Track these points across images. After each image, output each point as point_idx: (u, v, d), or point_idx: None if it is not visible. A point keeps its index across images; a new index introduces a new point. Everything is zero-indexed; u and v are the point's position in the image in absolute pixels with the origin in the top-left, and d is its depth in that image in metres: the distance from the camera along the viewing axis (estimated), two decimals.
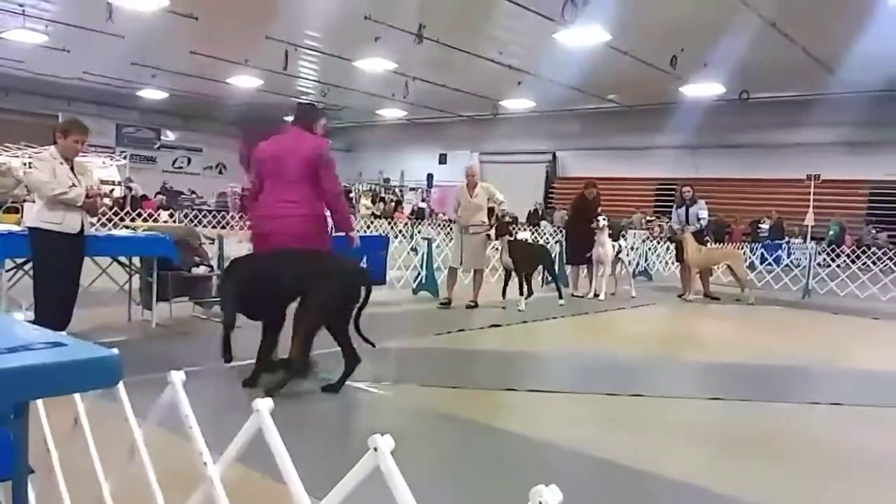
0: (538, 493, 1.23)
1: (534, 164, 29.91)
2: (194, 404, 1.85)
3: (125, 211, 19.20)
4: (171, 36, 17.43)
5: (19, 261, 5.88)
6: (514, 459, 3.63)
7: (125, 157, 27.95)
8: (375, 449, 1.41)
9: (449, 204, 9.45)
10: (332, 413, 4.37)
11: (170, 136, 32.85)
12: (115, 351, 1.56)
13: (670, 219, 12.21)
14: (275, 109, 24.22)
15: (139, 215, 19.18)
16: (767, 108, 21.79)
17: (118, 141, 30.62)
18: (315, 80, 23.76)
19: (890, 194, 22.31)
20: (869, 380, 6.06)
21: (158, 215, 21.25)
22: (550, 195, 29.64)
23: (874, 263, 14.49)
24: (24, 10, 15.87)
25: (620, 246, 10.85)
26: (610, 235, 10.47)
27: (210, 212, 24.60)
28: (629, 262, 11.64)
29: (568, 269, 11.10)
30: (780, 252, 17.35)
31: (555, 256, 11.91)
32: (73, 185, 5.21)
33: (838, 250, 17.22)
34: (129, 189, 24.62)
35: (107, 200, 15.34)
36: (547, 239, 17.79)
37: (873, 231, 21.95)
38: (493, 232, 8.47)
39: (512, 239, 8.69)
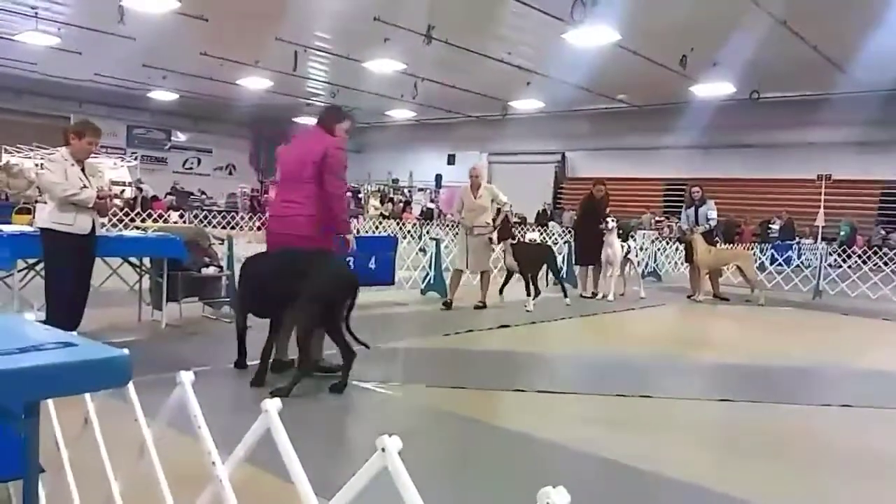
0: (546, 495, 1.23)
1: (543, 165, 29.86)
2: (203, 404, 1.86)
3: (136, 211, 19.31)
4: (182, 37, 17.53)
5: (31, 261, 5.94)
6: (521, 460, 3.63)
7: (136, 158, 28.13)
8: (383, 449, 1.42)
9: (453, 205, 9.41)
10: (340, 413, 4.38)
11: (180, 137, 33.01)
12: (126, 351, 1.57)
13: (680, 219, 12.16)
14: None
15: (149, 216, 19.28)
16: (778, 107, 21.66)
17: (129, 142, 30.81)
18: (324, 82, 23.83)
19: None
20: (880, 381, 6.01)
21: (168, 216, 21.35)
22: (559, 196, 29.57)
23: (886, 264, 14.37)
24: (36, 13, 16.01)
25: (629, 246, 10.81)
26: (619, 236, 10.44)
27: (220, 212, 24.69)
28: (638, 262, 11.60)
29: (576, 269, 11.07)
30: (790, 253, 17.24)
31: (563, 257, 11.92)
32: (85, 186, 5.25)
33: (849, 251, 17.09)
34: (140, 190, 24.76)
35: (117, 201, 15.46)
36: (556, 240, 17.75)
37: (882, 231, 21.78)
38: (495, 235, 8.43)
39: (515, 242, 8.65)
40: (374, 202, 29.48)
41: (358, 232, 20.22)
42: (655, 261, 14.34)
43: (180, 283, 6.56)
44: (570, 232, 16.99)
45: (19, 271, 5.80)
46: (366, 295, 8.51)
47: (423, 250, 11.60)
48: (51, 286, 5.32)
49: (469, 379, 5.25)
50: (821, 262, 12.74)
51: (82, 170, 5.33)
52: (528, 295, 8.68)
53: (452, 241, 12.46)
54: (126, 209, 18.58)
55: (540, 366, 6.13)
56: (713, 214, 10.89)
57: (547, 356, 6.60)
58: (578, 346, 7.36)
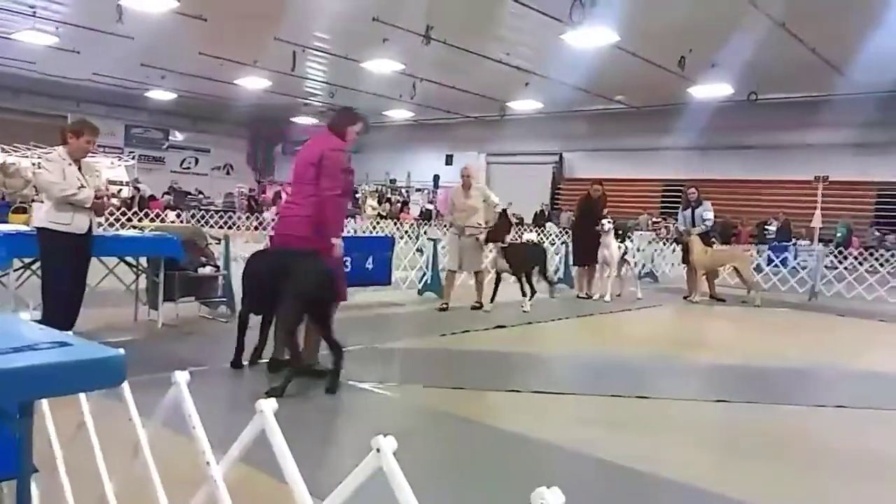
0: (540, 496, 1.23)
1: (541, 165, 29.86)
2: (199, 404, 1.86)
3: (133, 211, 19.28)
4: (180, 37, 17.51)
5: (27, 260, 5.93)
6: (517, 460, 3.63)
7: (133, 158, 28.09)
8: (378, 450, 1.42)
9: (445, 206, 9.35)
10: (336, 414, 4.38)
11: (178, 136, 33.00)
12: (121, 351, 1.57)
13: (677, 220, 12.17)
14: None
15: (146, 215, 19.26)
16: (776, 109, 21.69)
17: (127, 141, 30.79)
18: (323, 82, 23.82)
19: None
20: (876, 382, 6.02)
21: (166, 215, 21.33)
22: (557, 196, 29.58)
23: (882, 265, 14.40)
24: (34, 12, 15.98)
25: (626, 247, 10.82)
26: (617, 236, 10.44)
27: (217, 212, 24.68)
28: (635, 263, 11.61)
29: (573, 270, 11.07)
30: (786, 254, 17.25)
31: (561, 258, 11.93)
32: (82, 186, 5.24)
33: (846, 252, 17.11)
34: (137, 189, 24.74)
35: (114, 201, 15.44)
36: (553, 240, 17.76)
37: (877, 233, 21.83)
38: (482, 237, 8.37)
39: (506, 245, 8.57)
40: (372, 202, 29.48)
41: (355, 232, 20.24)
42: (652, 262, 14.36)
43: (177, 282, 6.55)
44: (567, 233, 17.00)
45: (15, 270, 5.79)
46: (363, 295, 8.54)
47: (420, 251, 11.60)
48: (47, 286, 5.30)
49: (465, 379, 5.26)
50: (817, 263, 12.76)
51: (79, 169, 5.33)
52: (524, 295, 8.68)
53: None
54: (123, 209, 18.56)
55: (536, 366, 6.14)
56: (709, 215, 10.90)
57: (543, 357, 6.61)
58: (575, 347, 7.37)
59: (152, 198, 25.21)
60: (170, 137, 32.76)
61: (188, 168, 33.34)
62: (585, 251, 10.38)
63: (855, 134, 21.27)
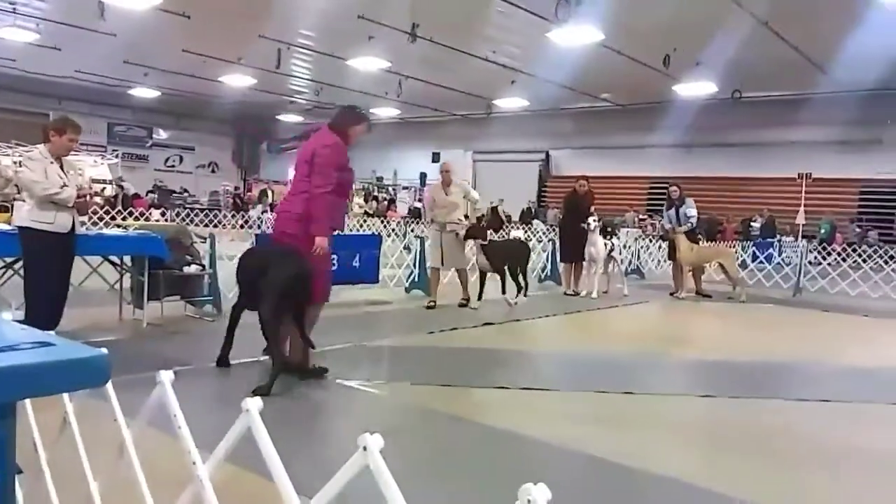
0: (526, 492, 1.23)
1: (527, 163, 29.92)
2: (185, 403, 1.85)
3: (117, 210, 19.11)
4: (164, 34, 17.37)
5: (8, 260, 5.85)
6: (505, 457, 3.63)
7: (117, 156, 27.85)
8: (365, 448, 1.41)
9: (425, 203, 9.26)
10: (323, 412, 4.36)
11: (162, 134, 32.75)
12: (104, 350, 1.55)
13: (663, 218, 12.25)
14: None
15: (130, 214, 19.11)
16: (759, 107, 21.88)
17: (110, 139, 30.52)
18: (308, 79, 23.73)
19: (880, 193, 22.44)
20: (858, 376, 6.09)
21: (150, 214, 21.16)
22: (543, 194, 29.67)
23: (864, 261, 14.57)
24: (15, 8, 15.79)
25: (613, 244, 10.87)
26: (603, 233, 10.48)
27: (202, 210, 24.53)
28: (622, 260, 11.66)
29: (561, 267, 11.11)
30: (771, 250, 17.41)
31: (548, 255, 11.96)
32: (65, 184, 5.19)
33: (829, 248, 17.30)
34: (121, 188, 24.53)
35: (98, 199, 15.29)
36: (540, 237, 17.82)
37: (857, 230, 22.09)
38: (462, 232, 8.31)
39: (486, 242, 8.51)
40: (359, 200, 29.42)
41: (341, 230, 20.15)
42: (639, 258, 14.44)
43: (162, 281, 6.51)
44: (554, 230, 17.06)
45: None
46: (350, 293, 8.52)
47: (407, 248, 11.59)
48: (30, 285, 5.25)
49: (453, 377, 5.26)
50: (801, 259, 12.88)
51: (61, 167, 5.27)
52: (504, 293, 8.62)
53: None
54: (107, 207, 18.39)
55: (524, 363, 6.15)
56: (692, 213, 10.95)
57: (531, 353, 6.63)
58: (562, 344, 7.39)
59: (136, 196, 25.01)
60: (153, 135, 32.51)
61: (172, 166, 33.10)
62: (572, 248, 10.40)
63: (838, 131, 21.51)
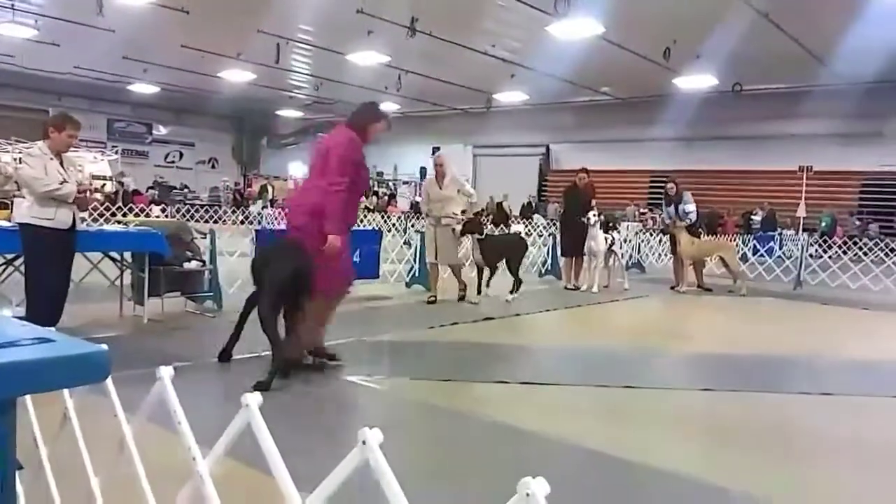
0: (526, 485, 1.23)
1: (527, 157, 29.90)
2: (185, 399, 1.85)
3: (117, 206, 19.12)
4: (162, 30, 17.34)
5: (9, 256, 5.86)
6: (505, 452, 3.64)
7: (116, 152, 27.83)
8: (364, 442, 1.41)
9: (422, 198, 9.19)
10: (323, 407, 4.37)
11: (162, 130, 32.73)
12: (104, 346, 1.55)
13: (663, 212, 12.24)
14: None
15: (131, 210, 19.11)
16: (760, 99, 21.84)
17: (109, 136, 30.52)
18: (308, 74, 23.70)
19: (881, 185, 22.43)
20: (858, 370, 6.10)
21: (150, 210, 21.17)
22: (544, 188, 29.65)
23: (865, 254, 14.56)
24: (13, 4, 15.76)
25: (613, 238, 10.85)
26: (604, 227, 10.46)
27: (202, 206, 24.52)
28: (622, 254, 11.66)
29: (561, 261, 11.10)
30: (772, 243, 17.41)
31: (548, 249, 11.95)
32: (65, 181, 5.19)
33: (830, 241, 17.29)
34: (121, 184, 24.52)
35: (98, 196, 15.30)
36: (540, 232, 17.80)
37: (857, 223, 22.08)
38: (458, 228, 8.26)
39: (482, 237, 8.45)
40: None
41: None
42: (639, 252, 14.43)
43: (162, 277, 6.51)
44: (554, 224, 17.04)
45: None
46: (350, 288, 8.51)
47: (407, 243, 11.59)
48: (31, 282, 5.25)
49: (454, 371, 5.26)
50: (802, 252, 12.87)
51: (61, 163, 5.27)
52: (488, 286, 8.51)
53: None
54: (107, 203, 18.39)
55: (524, 358, 6.16)
56: (690, 208, 10.92)
57: (531, 348, 6.63)
58: (562, 338, 7.40)
59: (136, 192, 25.02)
60: (153, 131, 32.49)
61: (172, 162, 33.10)
62: (573, 242, 10.38)
63: (838, 124, 21.47)
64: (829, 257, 13.69)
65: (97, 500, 2.04)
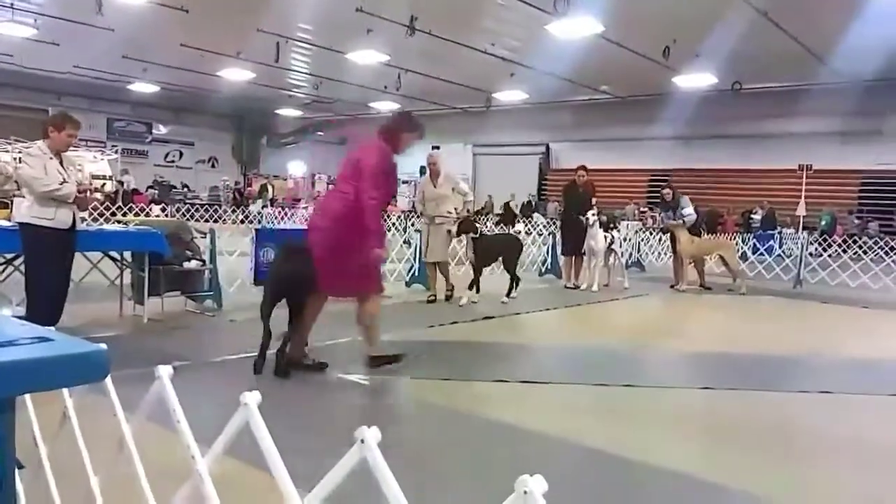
0: (523, 483, 1.23)
1: (527, 156, 29.89)
2: (185, 398, 1.85)
3: (117, 205, 19.12)
4: (162, 29, 17.32)
5: (9, 256, 5.86)
6: (505, 450, 3.64)
7: (116, 152, 27.81)
8: (362, 441, 1.42)
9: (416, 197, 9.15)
10: (322, 405, 4.37)
11: (161, 129, 32.69)
12: (103, 346, 1.55)
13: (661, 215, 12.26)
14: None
15: (130, 209, 19.11)
16: (759, 98, 21.82)
17: (109, 135, 30.48)
18: (307, 73, 23.68)
19: (881, 184, 22.42)
20: (858, 368, 6.10)
21: (150, 209, 21.17)
22: (544, 187, 29.64)
23: (865, 253, 14.56)
24: (12, 4, 15.74)
25: (613, 237, 10.86)
26: (604, 226, 10.46)
27: (202, 205, 24.52)
28: (622, 253, 11.67)
29: (561, 260, 11.11)
30: (772, 242, 17.41)
31: (548, 248, 11.95)
32: (64, 180, 5.19)
33: (830, 240, 17.30)
34: (121, 183, 24.52)
35: (98, 195, 15.30)
36: (540, 231, 17.80)
37: (856, 221, 22.08)
38: (454, 228, 8.22)
39: (477, 236, 8.38)
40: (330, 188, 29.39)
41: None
42: (639, 251, 14.44)
43: (162, 277, 6.51)
44: (554, 223, 17.03)
45: None
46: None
47: (407, 242, 11.58)
48: (31, 282, 5.26)
49: (453, 370, 5.27)
50: (801, 251, 12.88)
51: (60, 163, 5.27)
52: (469, 289, 8.37)
53: None
54: (107, 203, 18.40)
55: (524, 356, 6.16)
56: (688, 211, 10.91)
57: (531, 347, 6.63)
58: (562, 337, 7.40)
59: (136, 192, 25.02)
60: (153, 131, 32.45)
61: (172, 161, 33.07)
62: (573, 241, 10.37)
63: (838, 122, 21.46)
64: (829, 256, 13.69)
65: (97, 499, 2.04)
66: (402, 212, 27.25)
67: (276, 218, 23.20)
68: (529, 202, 27.98)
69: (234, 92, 25.83)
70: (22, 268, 5.51)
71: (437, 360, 5.80)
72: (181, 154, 33.46)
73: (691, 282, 11.03)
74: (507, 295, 8.64)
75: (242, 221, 21.79)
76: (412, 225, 19.08)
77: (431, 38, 16.54)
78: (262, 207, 25.50)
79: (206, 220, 20.09)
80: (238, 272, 7.82)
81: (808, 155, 20.96)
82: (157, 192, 26.86)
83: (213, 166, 33.98)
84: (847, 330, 8.46)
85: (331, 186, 22.15)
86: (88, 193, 5.61)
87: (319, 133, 34.73)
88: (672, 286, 10.99)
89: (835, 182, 22.56)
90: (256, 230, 8.17)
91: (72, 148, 5.58)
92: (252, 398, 1.65)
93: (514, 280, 8.82)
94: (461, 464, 3.43)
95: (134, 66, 22.25)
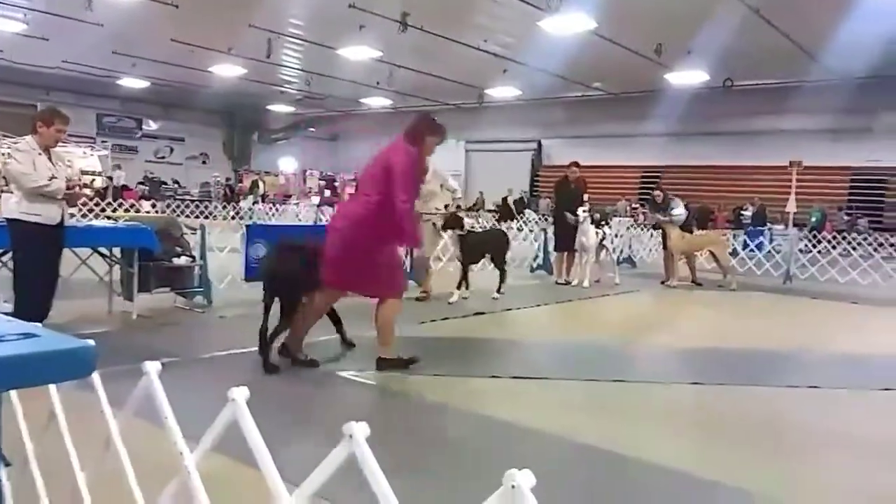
0: (511, 477, 1.24)
1: (519, 153, 29.89)
2: (172, 394, 1.85)
3: (106, 201, 19.00)
4: (152, 24, 17.20)
5: None
6: (497, 446, 3.65)
7: (106, 147, 27.62)
8: (351, 436, 1.42)
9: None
10: (314, 401, 4.37)
11: (151, 125, 32.49)
12: (90, 342, 1.55)
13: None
14: None
15: (120, 205, 19.01)
16: (751, 95, 21.90)
17: (99, 130, 30.26)
18: (299, 69, 23.58)
19: (871, 180, 22.55)
20: (847, 363, 6.14)
21: (140, 205, 21.06)
22: (536, 183, 29.66)
23: (854, 249, 14.65)
24: None
25: (604, 233, 10.87)
26: (595, 223, 10.46)
27: (193, 202, 24.41)
28: (613, 249, 11.69)
29: (553, 256, 11.12)
30: (762, 238, 17.47)
31: (540, 245, 11.96)
32: (53, 176, 5.15)
33: (819, 236, 17.39)
34: (111, 179, 24.35)
35: (87, 191, 15.19)
36: (532, 227, 17.83)
37: (846, 217, 22.21)
38: (439, 223, 8.18)
39: (463, 233, 8.28)
40: (351, 191, 29.33)
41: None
42: (630, 247, 14.47)
43: (152, 273, 6.48)
44: (546, 219, 17.04)
45: None
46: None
47: None
48: (19, 278, 5.23)
49: (445, 366, 5.26)
50: (791, 247, 12.94)
51: (49, 158, 5.23)
52: (459, 288, 8.31)
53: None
54: (96, 199, 18.28)
55: (516, 352, 6.17)
56: (678, 211, 11.02)
57: (523, 343, 6.64)
58: (553, 333, 7.42)
59: (126, 188, 24.87)
60: (143, 126, 32.24)
61: (163, 157, 32.87)
62: (565, 237, 10.38)
63: (829, 119, 21.56)
64: (819, 252, 13.76)
65: (84, 495, 2.03)
66: None
67: (266, 214, 23.13)
68: (521, 198, 28.01)
69: (226, 88, 25.69)
70: (10, 264, 5.46)
71: (428, 356, 5.79)
72: (171, 150, 33.26)
73: (682, 278, 11.06)
74: (498, 290, 8.64)
75: (233, 217, 21.72)
76: None
77: (424, 34, 16.50)
78: (253, 204, 25.41)
79: (197, 217, 20.00)
80: (228, 268, 7.78)
81: (798, 151, 20.98)
82: (147, 188, 26.71)
83: (203, 162, 33.81)
84: (836, 325, 8.51)
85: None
86: (77, 189, 5.57)
87: (311, 129, 34.63)
88: (663, 282, 11.02)
89: (825, 179, 22.67)
90: (247, 226, 8.14)
91: (61, 143, 5.53)
92: (240, 394, 1.65)
93: (503, 275, 8.81)
94: (452, 459, 3.43)
95: (123, 61, 22.08)
